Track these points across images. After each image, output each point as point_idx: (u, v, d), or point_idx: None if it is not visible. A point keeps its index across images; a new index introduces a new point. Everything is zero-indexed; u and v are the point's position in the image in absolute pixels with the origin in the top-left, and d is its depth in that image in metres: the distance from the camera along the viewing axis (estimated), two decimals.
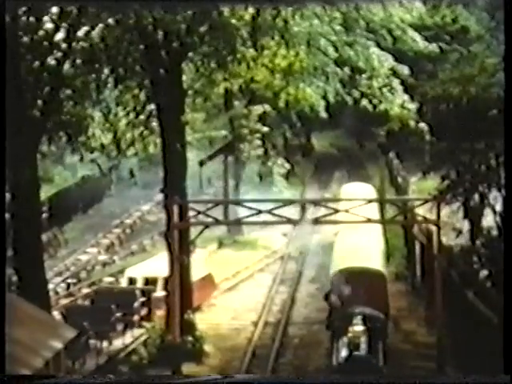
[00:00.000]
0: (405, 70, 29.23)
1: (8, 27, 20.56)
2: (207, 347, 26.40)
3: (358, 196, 33.14)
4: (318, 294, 31.42)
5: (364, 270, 26.31)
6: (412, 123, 28.85)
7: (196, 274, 28.13)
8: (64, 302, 29.92)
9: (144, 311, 27.80)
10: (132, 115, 27.62)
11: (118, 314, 26.16)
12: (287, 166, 42.92)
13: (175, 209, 25.36)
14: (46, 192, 36.18)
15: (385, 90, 28.53)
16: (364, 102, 28.99)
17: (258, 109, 39.48)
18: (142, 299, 27.88)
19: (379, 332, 22.62)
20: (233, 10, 24.95)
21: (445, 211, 26.72)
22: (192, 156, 30.80)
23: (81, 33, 24.15)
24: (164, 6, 23.26)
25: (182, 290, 25.81)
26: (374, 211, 27.77)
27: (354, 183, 42.09)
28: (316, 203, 29.69)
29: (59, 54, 23.72)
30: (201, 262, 30.10)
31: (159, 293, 28.44)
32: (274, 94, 32.33)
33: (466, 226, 28.52)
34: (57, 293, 32.01)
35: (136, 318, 27.24)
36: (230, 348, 27.09)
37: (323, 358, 25.21)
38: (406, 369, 24.31)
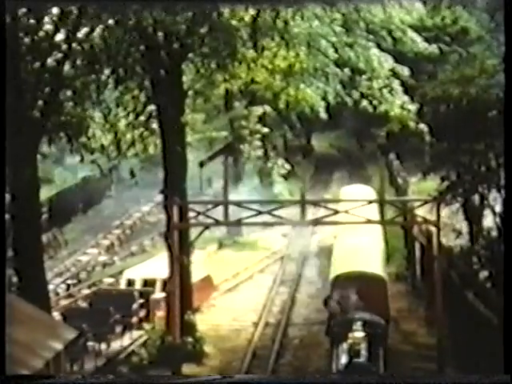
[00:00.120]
0: (405, 71, 29.25)
1: (8, 27, 20.52)
2: (207, 348, 26.41)
3: (357, 198, 33.08)
4: (318, 294, 31.42)
5: (364, 274, 26.09)
6: (412, 124, 28.85)
7: (194, 275, 28.12)
8: (64, 302, 29.91)
9: (142, 313, 27.75)
10: (132, 116, 27.61)
11: (117, 316, 26.12)
12: (287, 166, 42.93)
13: (175, 210, 25.39)
14: (45, 193, 36.18)
15: (385, 90, 28.55)
16: (364, 102, 29.01)
17: (258, 110, 39.49)
18: (141, 301, 27.84)
19: (379, 338, 22.44)
20: (233, 11, 24.98)
21: (445, 212, 26.73)
22: (192, 157, 30.76)
23: (81, 34, 24.17)
24: (164, 7, 23.28)
25: (182, 290, 25.83)
26: (373, 212, 27.70)
27: (353, 185, 42.04)
28: (316, 204, 29.71)
29: (59, 55, 23.74)
30: (199, 264, 30.09)
31: (158, 294, 28.42)
32: (274, 95, 32.34)
33: (465, 226, 28.52)
34: (57, 294, 32.00)
35: (134, 319, 27.19)
36: (230, 349, 27.09)
37: (323, 358, 25.20)
38: (407, 370, 24.30)
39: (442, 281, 24.66)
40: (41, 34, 23.47)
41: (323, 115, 30.80)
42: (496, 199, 25.98)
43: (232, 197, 30.06)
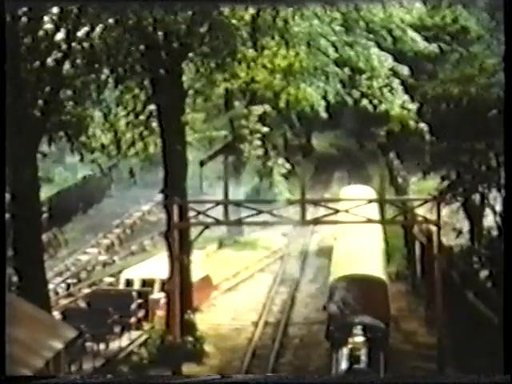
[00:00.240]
0: (405, 70, 29.19)
1: (8, 27, 20.56)
2: (207, 347, 26.41)
3: (357, 198, 33.05)
4: (318, 294, 31.43)
5: (364, 277, 26.02)
6: (412, 123, 28.77)
7: (194, 275, 28.10)
8: (64, 302, 29.90)
9: (141, 313, 27.72)
10: (132, 115, 27.59)
11: (115, 316, 26.06)
12: (287, 166, 42.84)
13: (175, 209, 25.37)
14: (46, 192, 36.18)
15: (385, 90, 28.49)
16: (364, 102, 28.95)
17: (258, 109, 39.28)
18: (139, 301, 27.80)
19: (380, 342, 22.29)
20: (233, 10, 24.95)
21: (445, 211, 26.74)
22: (192, 156, 30.77)
23: (81, 33, 24.16)
24: (164, 7, 23.27)
25: (182, 290, 25.81)
26: (373, 212, 27.67)
27: (353, 185, 42.05)
28: (316, 203, 29.69)
29: (59, 54, 23.73)
30: (198, 264, 30.09)
31: (156, 295, 28.40)
32: (275, 95, 32.31)
33: (466, 226, 28.52)
34: (57, 293, 32.01)
35: (133, 320, 27.16)
36: (230, 348, 27.09)
37: (323, 358, 25.20)
38: (406, 369, 24.29)
39: (442, 280, 24.64)
40: (41, 33, 23.46)
41: (323, 114, 30.71)
42: (496, 198, 26.01)
43: (232, 196, 30.04)
